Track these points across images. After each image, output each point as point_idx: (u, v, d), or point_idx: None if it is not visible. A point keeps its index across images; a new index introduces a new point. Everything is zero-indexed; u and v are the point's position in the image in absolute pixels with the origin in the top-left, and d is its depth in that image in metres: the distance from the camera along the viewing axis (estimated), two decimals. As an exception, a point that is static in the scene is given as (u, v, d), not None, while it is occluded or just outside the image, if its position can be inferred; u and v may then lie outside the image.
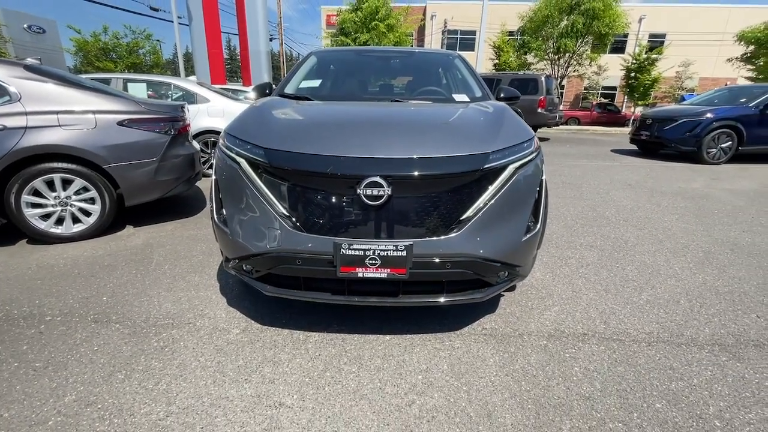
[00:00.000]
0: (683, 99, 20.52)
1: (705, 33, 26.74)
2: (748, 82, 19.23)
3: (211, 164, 4.44)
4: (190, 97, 5.32)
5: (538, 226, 1.82)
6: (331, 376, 1.64)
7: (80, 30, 16.33)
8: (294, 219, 1.63)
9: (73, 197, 3.00)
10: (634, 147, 9.70)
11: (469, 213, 1.63)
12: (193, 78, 7.35)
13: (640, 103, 18.84)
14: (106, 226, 3.15)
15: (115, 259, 2.73)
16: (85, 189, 3.00)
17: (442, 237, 1.61)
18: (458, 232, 1.62)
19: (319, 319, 2.03)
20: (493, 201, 1.65)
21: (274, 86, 2.91)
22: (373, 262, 1.59)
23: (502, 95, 2.68)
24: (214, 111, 5.25)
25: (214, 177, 1.93)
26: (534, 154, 1.82)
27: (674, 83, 24.95)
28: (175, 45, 16.62)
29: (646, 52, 18.48)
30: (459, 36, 30.94)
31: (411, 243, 1.58)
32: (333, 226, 1.61)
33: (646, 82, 17.75)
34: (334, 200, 1.61)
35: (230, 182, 1.78)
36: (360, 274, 1.61)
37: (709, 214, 4.18)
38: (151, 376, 1.61)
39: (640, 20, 26.68)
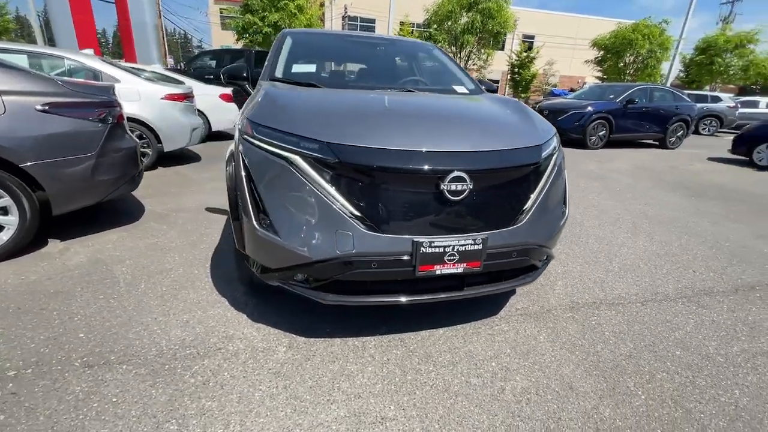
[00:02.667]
0: (553, 93, 24.16)
1: (562, 37, 31.61)
2: (597, 80, 23.51)
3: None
4: (92, 76, 4.33)
5: (567, 211, 2.01)
6: (413, 378, 1.59)
7: None
8: (368, 219, 1.50)
9: (-28, 208, 2.23)
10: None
11: (529, 203, 1.72)
12: (89, 51, 5.91)
13: (523, 95, 21.57)
14: (26, 243, 2.43)
15: (61, 283, 2.14)
16: (-8, 196, 2.26)
17: (510, 227, 1.67)
18: (522, 221, 1.69)
19: (364, 323, 1.92)
20: (545, 190, 1.76)
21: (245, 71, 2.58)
22: (452, 257, 1.57)
23: (484, 87, 2.82)
24: (127, 94, 4.35)
25: (242, 175, 1.65)
26: (559, 145, 1.99)
27: (542, 79, 29.09)
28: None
29: (525, 51, 21.17)
30: (359, 23, 30.97)
31: (486, 236, 1.60)
32: (411, 224, 1.53)
33: (527, 77, 20.42)
34: (413, 197, 1.53)
35: (278, 182, 1.55)
36: (438, 272, 1.58)
37: (615, 192, 5.07)
38: (215, 420, 1.34)
39: (515, 22, 30.32)
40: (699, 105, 12.34)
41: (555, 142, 1.91)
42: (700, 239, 3.42)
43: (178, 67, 11.64)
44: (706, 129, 14.48)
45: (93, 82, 2.98)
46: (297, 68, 2.60)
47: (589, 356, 1.78)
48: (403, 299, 1.65)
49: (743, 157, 8.08)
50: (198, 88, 6.28)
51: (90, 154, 2.54)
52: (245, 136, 1.69)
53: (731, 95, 16.58)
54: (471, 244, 1.57)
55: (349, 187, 1.50)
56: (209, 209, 3.48)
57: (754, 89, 26.08)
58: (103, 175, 2.63)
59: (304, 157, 1.51)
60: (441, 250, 1.54)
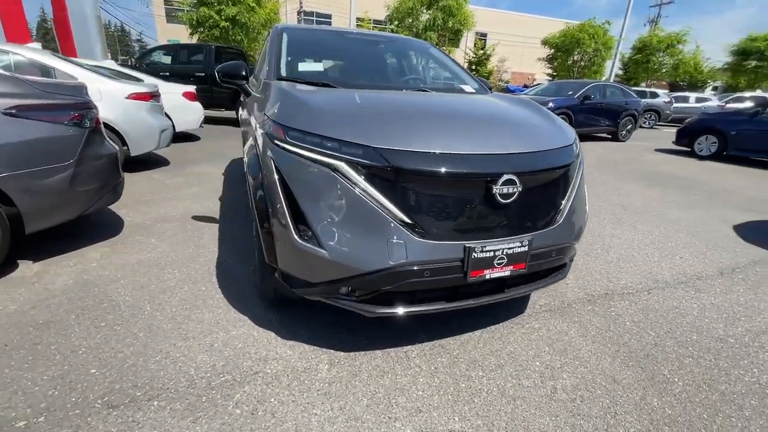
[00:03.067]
0: (508, 90, 25.12)
1: (512, 35, 32.96)
2: (548, 77, 24.77)
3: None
4: (43, 74, 3.85)
5: (587, 209, 2.06)
6: (467, 386, 1.56)
7: None
8: (420, 227, 1.45)
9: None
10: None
11: (564, 202, 1.74)
12: (36, 45, 5.22)
13: (480, 92, 22.22)
14: (-4, 267, 2.11)
15: (50, 311, 1.88)
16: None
17: (550, 228, 1.68)
18: (559, 221, 1.72)
19: (401, 332, 1.87)
20: (576, 188, 1.80)
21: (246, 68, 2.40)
22: (501, 261, 1.55)
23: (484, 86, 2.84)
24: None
25: (276, 184, 1.52)
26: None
27: (496, 76, 30.20)
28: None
29: (481, 48, 21.82)
30: (315, 18, 30.35)
31: (531, 237, 1.60)
32: (462, 229, 1.50)
33: (485, 74, 21.08)
34: (464, 202, 1.49)
35: (322, 191, 1.45)
36: (487, 276, 1.56)
37: (589, 184, 5.33)
38: (277, 452, 1.23)
39: (474, 20, 31.21)
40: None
41: (578, 140, 1.95)
42: (675, 227, 3.69)
43: (129, 63, 10.76)
44: (647, 122, 15.74)
45: (64, 81, 2.63)
46: (304, 67, 2.46)
47: (621, 348, 1.85)
48: (449, 306, 1.61)
49: (686, 148, 8.87)
50: (159, 86, 5.82)
51: (67, 162, 2.25)
52: (276, 141, 1.56)
53: (666, 91, 18.13)
54: (518, 247, 1.57)
55: (401, 194, 1.43)
56: (196, 218, 3.24)
57: (682, 85, 28.76)
58: (82, 186, 2.35)
59: (351, 163, 1.42)
60: (491, 254, 1.52)
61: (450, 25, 16.20)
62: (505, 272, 1.59)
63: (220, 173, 4.83)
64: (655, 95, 16.57)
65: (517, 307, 2.14)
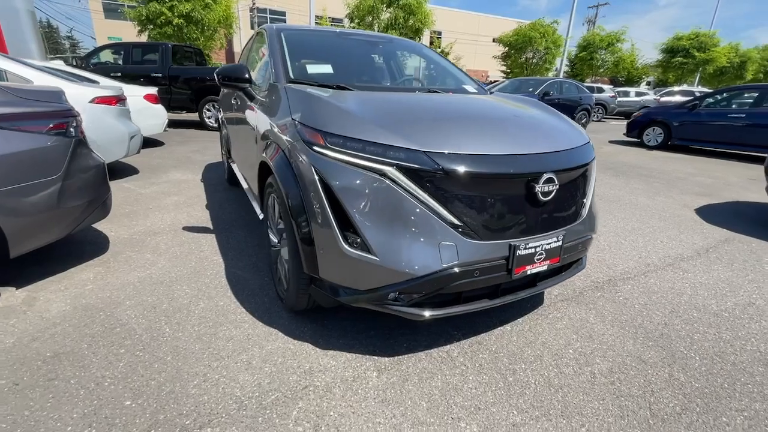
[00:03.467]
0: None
1: (466, 33, 33.93)
2: (502, 74, 25.77)
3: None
4: (-7, 76, 3.44)
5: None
6: (515, 380, 1.61)
7: None
8: (468, 227, 1.47)
9: None
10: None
11: (587, 197, 1.84)
12: None
13: (440, 89, 22.71)
14: (-23, 298, 1.87)
15: (55, 342, 1.70)
16: None
17: (577, 222, 1.77)
18: (584, 215, 1.81)
19: (436, 332, 1.89)
20: (593, 184, 1.91)
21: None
22: (540, 256, 1.62)
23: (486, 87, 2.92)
24: (46, 97, 3.56)
25: (318, 192, 1.48)
26: None
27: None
28: None
29: (438, 47, 22.27)
30: (269, 15, 29.47)
31: (564, 232, 1.68)
32: (506, 228, 1.54)
33: (444, 72, 21.54)
34: (508, 201, 1.53)
35: (371, 197, 1.42)
36: (529, 271, 1.62)
37: (561, 176, 5.64)
38: (354, 466, 1.21)
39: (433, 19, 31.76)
40: (591, 95, 14.32)
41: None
42: (647, 213, 4.01)
43: (74, 64, 9.87)
44: (595, 116, 16.86)
45: (40, 86, 2.35)
46: (313, 69, 2.39)
47: (638, 330, 1.99)
48: (492, 303, 1.65)
49: (636, 139, 9.62)
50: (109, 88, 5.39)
51: (54, 176, 2.04)
52: (315, 148, 1.51)
53: (611, 86, 19.52)
54: (554, 242, 1.64)
55: (450, 196, 1.44)
56: (188, 229, 3.05)
57: (621, 81, 31.08)
58: (71, 202, 2.14)
59: (400, 168, 1.41)
60: (533, 250, 1.58)
61: (411, 24, 16.40)
62: (543, 267, 1.65)
63: (197, 180, 4.58)
64: (601, 90, 17.76)
65: (535, 299, 2.23)
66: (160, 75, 8.39)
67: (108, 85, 4.61)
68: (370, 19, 16.41)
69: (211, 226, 3.13)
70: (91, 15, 26.10)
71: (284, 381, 1.54)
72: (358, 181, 1.44)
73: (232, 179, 4.16)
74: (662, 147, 8.95)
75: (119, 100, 4.28)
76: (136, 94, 5.85)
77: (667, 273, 2.65)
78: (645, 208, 4.16)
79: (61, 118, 2.13)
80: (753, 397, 1.56)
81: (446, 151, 1.43)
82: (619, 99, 18.05)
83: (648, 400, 1.52)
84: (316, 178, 1.49)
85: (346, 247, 1.45)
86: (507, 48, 23.03)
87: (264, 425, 1.34)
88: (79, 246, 2.65)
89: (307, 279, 1.68)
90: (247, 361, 1.64)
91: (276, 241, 2.07)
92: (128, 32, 17.90)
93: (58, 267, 2.35)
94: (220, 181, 4.53)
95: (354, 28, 16.68)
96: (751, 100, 7.88)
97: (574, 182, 1.74)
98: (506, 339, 1.87)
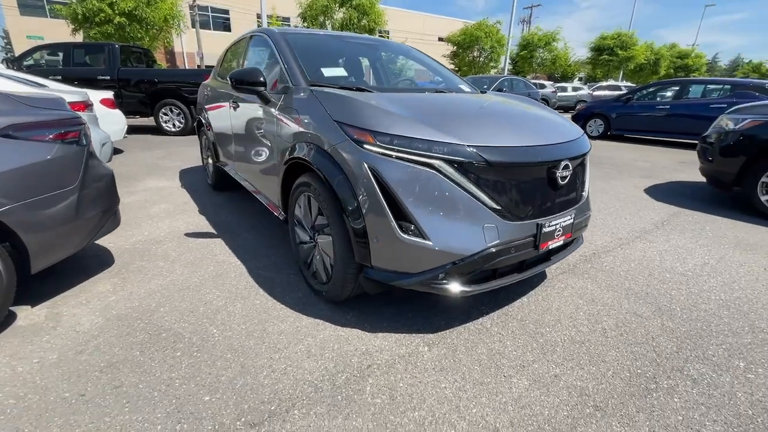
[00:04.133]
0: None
1: (411, 32, 34.70)
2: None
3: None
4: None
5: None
6: (545, 341, 1.86)
7: None
8: (506, 210, 1.68)
9: None
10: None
11: (587, 181, 2.14)
12: None
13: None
14: (3, 317, 1.78)
15: (103, 353, 1.68)
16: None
17: (581, 202, 2.06)
18: (585, 197, 2.11)
19: (467, 308, 2.09)
20: (588, 170, 2.21)
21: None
22: (558, 233, 1.88)
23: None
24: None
25: (371, 187, 1.62)
26: None
27: (405, 72, 31.65)
28: None
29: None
30: (210, 13, 28.16)
31: (574, 211, 1.96)
32: (533, 209, 1.78)
33: (396, 70, 22.03)
34: (535, 185, 1.76)
35: (424, 189, 1.59)
36: (550, 246, 1.87)
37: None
38: (440, 424, 1.38)
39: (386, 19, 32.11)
40: (536, 91, 15.41)
41: None
42: (607, 195, 4.53)
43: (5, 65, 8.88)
44: (540, 110, 18.14)
45: (42, 93, 2.19)
46: (328, 72, 2.48)
47: (628, 292, 2.34)
48: (521, 276, 1.89)
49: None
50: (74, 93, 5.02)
51: (71, 187, 1.98)
52: (366, 146, 1.65)
53: (551, 82, 21.05)
54: (568, 219, 1.91)
55: (490, 184, 1.65)
56: (190, 235, 3.01)
57: (556, 77, 33.53)
58: (88, 213, 2.07)
59: (448, 161, 1.59)
60: (554, 227, 1.83)
61: (364, 24, 16.56)
62: (560, 242, 1.92)
63: (176, 186, 4.43)
64: (543, 86, 19.12)
65: (541, 275, 2.52)
66: (108, 78, 7.85)
67: (72, 91, 4.30)
68: (323, 18, 16.35)
69: (214, 231, 3.10)
70: (3, 10, 23.32)
71: (348, 363, 1.67)
72: (409, 175, 1.60)
73: (219, 184, 4.10)
74: (603, 137, 9.92)
75: (86, 106, 4.04)
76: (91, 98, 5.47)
77: (637, 244, 3.08)
78: (604, 191, 4.69)
79: (73, 126, 2.06)
80: (726, 333, 1.94)
81: (487, 144, 1.64)
82: (559, 94, 19.54)
83: (651, 345, 1.84)
84: (369, 173, 1.63)
85: (402, 234, 1.61)
86: (455, 47, 24.02)
87: (344, 402, 1.46)
88: (81, 260, 2.54)
89: (356, 268, 1.81)
90: (306, 350, 1.74)
91: (308, 238, 2.16)
92: (53, 31, 16.29)
93: (68, 282, 2.25)
94: (202, 187, 4.42)
95: (307, 27, 16.54)
96: (673, 93, 8.98)
97: (580, 167, 2.02)
98: (526, 309, 2.13)
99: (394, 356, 1.72)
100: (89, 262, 2.51)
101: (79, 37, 12.09)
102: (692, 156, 7.45)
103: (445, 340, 1.85)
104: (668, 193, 4.70)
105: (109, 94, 5.88)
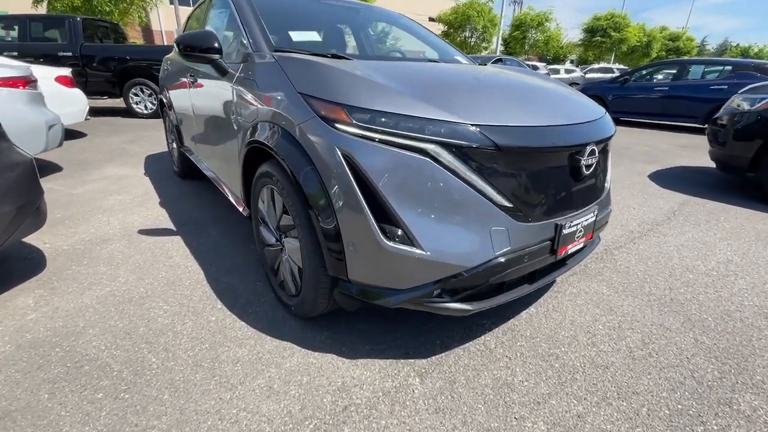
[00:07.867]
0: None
1: (401, 11, 33.65)
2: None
3: None
4: None
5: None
6: (561, 365, 1.53)
7: None
8: (519, 209, 1.32)
9: None
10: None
11: (608, 171, 1.78)
12: None
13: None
14: None
15: (0, 398, 1.30)
16: None
17: (603, 195, 1.71)
18: (607, 188, 1.76)
19: (465, 324, 1.75)
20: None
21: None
22: (579, 234, 1.53)
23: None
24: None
25: (346, 179, 1.24)
26: None
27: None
28: None
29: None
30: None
31: (597, 207, 1.61)
32: (551, 206, 1.42)
33: (386, 51, 21.31)
34: (554, 176, 1.40)
35: (412, 181, 1.21)
36: (570, 250, 1.53)
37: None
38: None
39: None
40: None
41: None
42: (612, 182, 4.20)
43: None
44: (533, 93, 17.74)
45: None
46: (297, 37, 2.04)
47: (650, 297, 2.02)
48: (532, 287, 1.55)
49: (575, 114, 10.20)
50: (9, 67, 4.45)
51: (-35, 179, 1.55)
52: (338, 125, 1.26)
53: (544, 64, 20.59)
54: (591, 217, 1.56)
55: (501, 175, 1.28)
56: (144, 232, 2.60)
57: (548, 59, 32.99)
58: (-6, 210, 1.65)
59: (445, 145, 1.21)
60: (575, 228, 1.48)
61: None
62: (580, 245, 1.58)
63: (140, 175, 3.97)
64: (536, 68, 18.65)
65: (548, 276, 2.18)
66: (69, 54, 7.18)
67: (10, 65, 3.76)
68: None
69: (173, 227, 2.69)
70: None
71: (318, 404, 1.31)
72: (395, 164, 1.22)
73: (185, 171, 3.66)
74: (599, 120, 9.58)
75: (28, 82, 3.51)
76: (45, 76, 4.88)
77: (651, 238, 2.76)
78: (607, 178, 4.37)
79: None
80: (771, 351, 1.64)
81: (495, 123, 1.26)
82: (551, 76, 19.12)
83: (687, 368, 1.53)
84: (343, 162, 1.24)
85: (386, 241, 1.24)
86: (446, 27, 23.24)
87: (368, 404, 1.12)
88: (3, 265, 2.11)
89: (330, 282, 1.44)
90: (267, 386, 1.38)
91: (273, 240, 1.78)
92: (14, 4, 15.15)
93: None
94: (168, 175, 3.96)
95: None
96: (673, 74, 8.65)
97: (604, 154, 1.66)
98: (536, 322, 1.79)
99: (377, 392, 1.37)
100: (12, 267, 2.10)
101: (42, 10, 11.16)
102: (692, 139, 7.21)
103: (441, 367, 1.50)
104: (674, 179, 4.40)
105: (66, 71, 5.30)
